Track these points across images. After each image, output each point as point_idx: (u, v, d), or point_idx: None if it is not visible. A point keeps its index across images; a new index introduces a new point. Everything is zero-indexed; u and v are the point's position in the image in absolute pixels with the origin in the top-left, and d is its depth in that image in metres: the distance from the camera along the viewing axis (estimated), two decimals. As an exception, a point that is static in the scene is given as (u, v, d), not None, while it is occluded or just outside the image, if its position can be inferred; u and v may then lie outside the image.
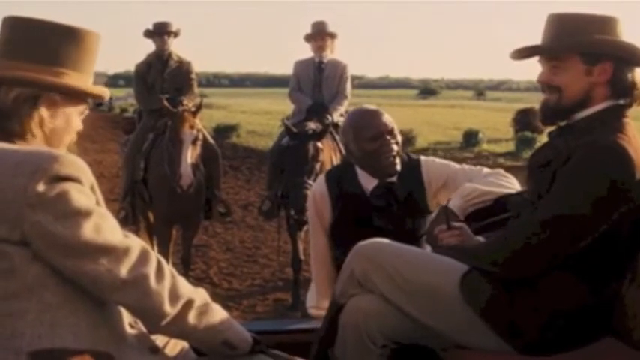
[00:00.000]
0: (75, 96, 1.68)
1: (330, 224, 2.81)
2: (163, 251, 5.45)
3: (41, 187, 1.43)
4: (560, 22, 2.08)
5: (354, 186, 2.80)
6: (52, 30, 1.65)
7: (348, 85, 6.23)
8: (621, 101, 2.05)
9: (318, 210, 2.83)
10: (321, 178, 2.97)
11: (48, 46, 1.64)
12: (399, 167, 2.75)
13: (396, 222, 2.73)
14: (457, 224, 2.30)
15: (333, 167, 4.76)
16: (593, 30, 2.04)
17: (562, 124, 2.10)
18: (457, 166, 2.83)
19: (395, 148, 2.74)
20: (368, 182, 2.79)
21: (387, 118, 2.76)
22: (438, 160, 2.92)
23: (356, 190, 2.79)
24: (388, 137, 2.72)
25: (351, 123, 2.80)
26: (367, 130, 2.71)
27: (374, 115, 2.77)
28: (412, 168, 2.79)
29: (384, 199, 2.76)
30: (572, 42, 2.03)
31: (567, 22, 2.08)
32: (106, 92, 1.75)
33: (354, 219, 2.75)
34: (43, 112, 1.62)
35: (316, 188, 2.92)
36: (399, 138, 2.78)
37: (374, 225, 2.71)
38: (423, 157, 2.89)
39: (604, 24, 2.07)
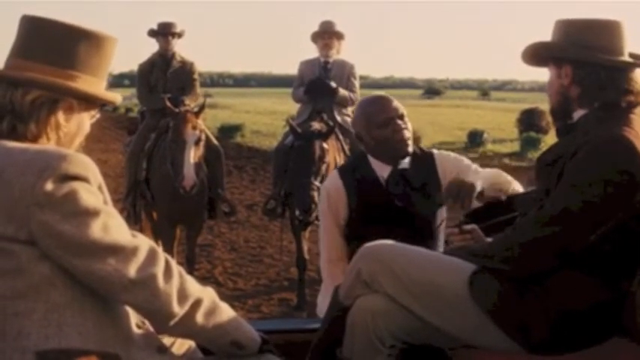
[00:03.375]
0: (90, 101, 1.67)
1: (346, 219, 2.79)
2: (168, 251, 5.44)
3: (49, 186, 1.42)
4: (558, 28, 2.13)
5: (369, 175, 2.78)
6: (69, 33, 1.63)
7: (357, 85, 6.20)
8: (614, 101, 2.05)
9: (332, 206, 2.80)
10: (334, 173, 2.94)
11: (65, 49, 1.61)
12: (410, 149, 2.75)
13: (413, 209, 2.70)
14: (469, 227, 2.29)
15: (344, 162, 4.73)
16: (587, 35, 2.06)
17: (567, 123, 2.12)
18: (468, 162, 2.83)
19: (406, 133, 2.74)
20: (382, 170, 2.79)
21: (397, 104, 2.77)
22: (452, 154, 2.93)
23: (371, 179, 2.78)
24: (399, 122, 2.73)
25: (361, 111, 2.81)
26: (378, 116, 2.73)
27: (383, 101, 2.78)
28: (425, 159, 2.80)
29: (401, 186, 2.74)
30: (533, 48, 2.13)
31: (564, 28, 2.11)
32: (118, 98, 1.74)
33: (372, 209, 2.73)
34: (60, 116, 1.61)
35: (330, 183, 2.88)
36: (410, 125, 2.78)
37: (393, 211, 2.70)
38: (435, 150, 2.90)
39: (603, 28, 2.08)
